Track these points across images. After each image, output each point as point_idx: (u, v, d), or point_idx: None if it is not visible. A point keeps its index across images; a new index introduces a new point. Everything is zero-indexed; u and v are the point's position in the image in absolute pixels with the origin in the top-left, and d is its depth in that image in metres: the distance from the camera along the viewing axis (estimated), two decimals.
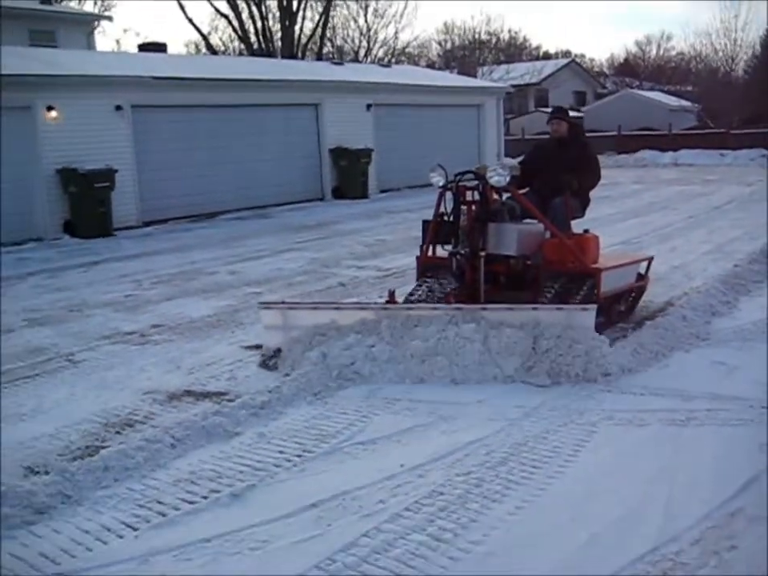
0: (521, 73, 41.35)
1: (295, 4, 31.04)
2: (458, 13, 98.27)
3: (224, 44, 36.24)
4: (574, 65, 50.49)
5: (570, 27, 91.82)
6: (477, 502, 3.58)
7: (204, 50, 38.83)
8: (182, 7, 42.94)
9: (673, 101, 38.16)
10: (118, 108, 14.93)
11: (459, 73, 37.25)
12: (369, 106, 19.55)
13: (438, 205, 6.24)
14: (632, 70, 54.94)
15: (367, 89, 19.73)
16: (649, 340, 5.87)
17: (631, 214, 14.29)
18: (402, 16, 54.21)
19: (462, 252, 5.97)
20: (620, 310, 6.77)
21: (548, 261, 6.14)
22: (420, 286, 6.36)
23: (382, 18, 40.67)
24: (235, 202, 16.82)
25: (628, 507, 3.50)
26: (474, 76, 36.56)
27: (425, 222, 6.53)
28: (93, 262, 11.19)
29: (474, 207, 6.04)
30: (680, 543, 3.17)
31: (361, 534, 3.31)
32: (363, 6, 39.92)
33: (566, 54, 62.57)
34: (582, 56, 62.02)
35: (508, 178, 6.00)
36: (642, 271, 7.16)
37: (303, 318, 5.71)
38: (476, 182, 6.07)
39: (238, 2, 31.47)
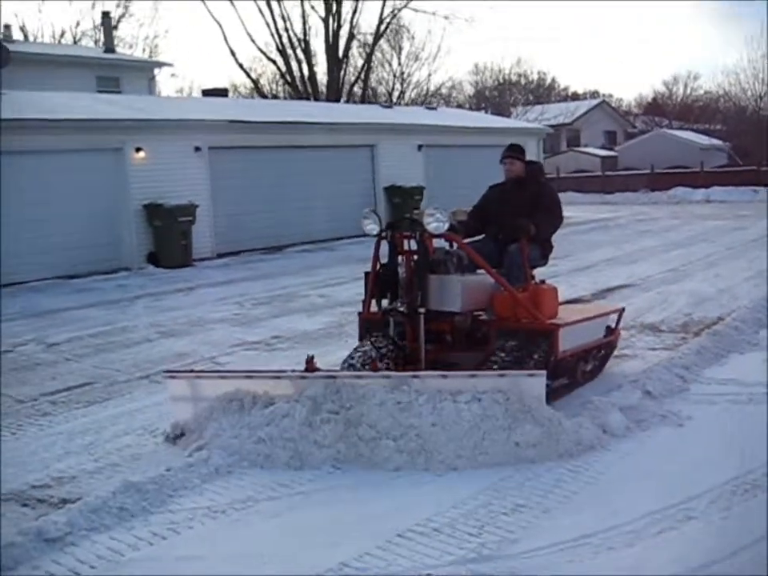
0: (554, 113, 42.74)
1: (341, 51, 32.65)
2: (488, 54, 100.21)
3: (270, 88, 37.96)
4: (604, 105, 51.85)
5: (597, 67, 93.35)
6: None
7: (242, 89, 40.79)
8: (233, 53, 44.88)
9: (704, 139, 39.19)
10: (197, 149, 16.30)
11: (493, 113, 38.67)
12: (420, 147, 20.85)
13: (376, 256, 5.64)
14: (660, 109, 56.04)
15: (418, 130, 21.07)
16: (709, 344, 6.95)
17: (673, 246, 15.35)
18: (434, 59, 55.81)
19: (400, 309, 5.34)
20: (585, 370, 6.12)
21: (500, 317, 5.59)
22: (362, 346, 5.77)
23: (416, 60, 42.32)
24: (299, 236, 18.07)
25: (714, 454, 4.58)
26: (508, 116, 37.97)
27: (366, 274, 5.83)
28: (188, 288, 12.44)
29: (413, 257, 5.51)
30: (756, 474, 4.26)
31: None
32: (397, 49, 41.63)
33: (594, 94, 63.92)
34: (610, 96, 63.28)
35: (446, 225, 5.37)
36: (613, 325, 6.57)
37: (211, 388, 5.10)
38: (413, 230, 5.47)
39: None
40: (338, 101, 31.95)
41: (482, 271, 5.72)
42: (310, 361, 4.99)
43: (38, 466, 4.91)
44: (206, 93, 23.84)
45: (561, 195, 29.28)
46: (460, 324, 5.54)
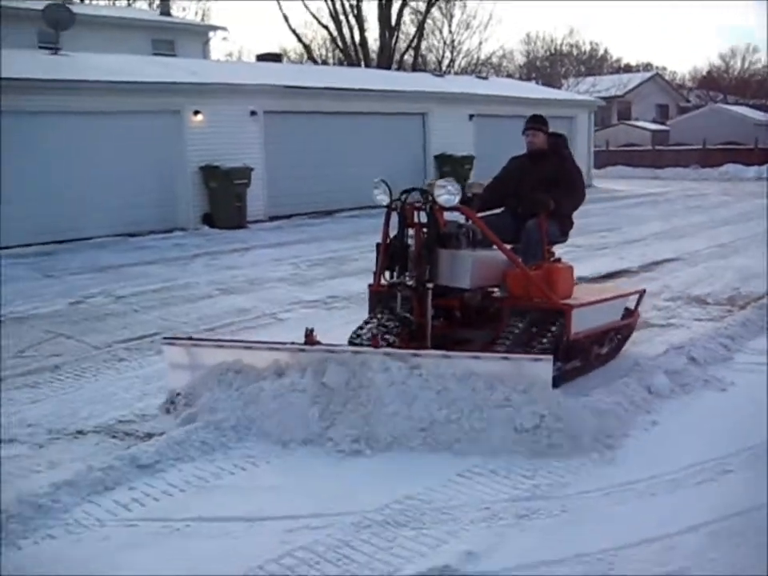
0: (606, 86, 42.30)
1: (394, 18, 32.69)
2: (540, 24, 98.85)
3: (320, 53, 38.15)
4: (657, 78, 51.06)
5: (651, 39, 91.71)
6: None
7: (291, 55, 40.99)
8: (286, 19, 45.08)
9: (759, 115, 38.50)
10: (253, 113, 16.65)
11: (543, 84, 38.43)
12: (471, 116, 20.97)
13: (386, 226, 5.47)
14: (715, 83, 55.01)
15: (469, 100, 21.18)
16: (754, 317, 7.14)
17: (722, 222, 15.36)
18: (486, 27, 55.50)
19: (407, 283, 5.19)
20: (599, 353, 5.92)
21: (513, 295, 5.44)
22: (371, 320, 5.61)
23: (467, 28, 42.13)
24: (348, 201, 18.33)
25: (754, 417, 4.84)
26: (558, 87, 37.72)
27: (378, 246, 5.65)
28: (244, 249, 12.85)
29: (423, 230, 5.31)
30: None
31: None
32: (448, 17, 41.45)
33: (647, 66, 62.89)
34: (664, 68, 62.22)
35: (458, 197, 5.17)
36: (632, 306, 6.34)
37: (209, 356, 5.02)
38: (423, 201, 5.28)
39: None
40: (389, 68, 32.04)
41: (495, 247, 5.50)
42: (309, 334, 4.87)
43: (120, 404, 5.32)
44: (260, 57, 24.11)
45: (610, 169, 29.42)
46: (469, 300, 5.39)
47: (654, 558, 3.25)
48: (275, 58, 23.54)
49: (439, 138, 20.34)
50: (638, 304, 6.41)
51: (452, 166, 19.95)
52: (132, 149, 14.90)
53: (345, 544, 3.40)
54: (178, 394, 5.04)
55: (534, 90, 26.52)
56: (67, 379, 6.01)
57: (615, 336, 6.09)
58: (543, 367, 4.45)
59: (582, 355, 5.70)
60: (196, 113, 15.78)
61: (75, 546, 3.44)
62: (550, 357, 4.55)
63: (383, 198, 5.41)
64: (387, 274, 5.49)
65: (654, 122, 44.09)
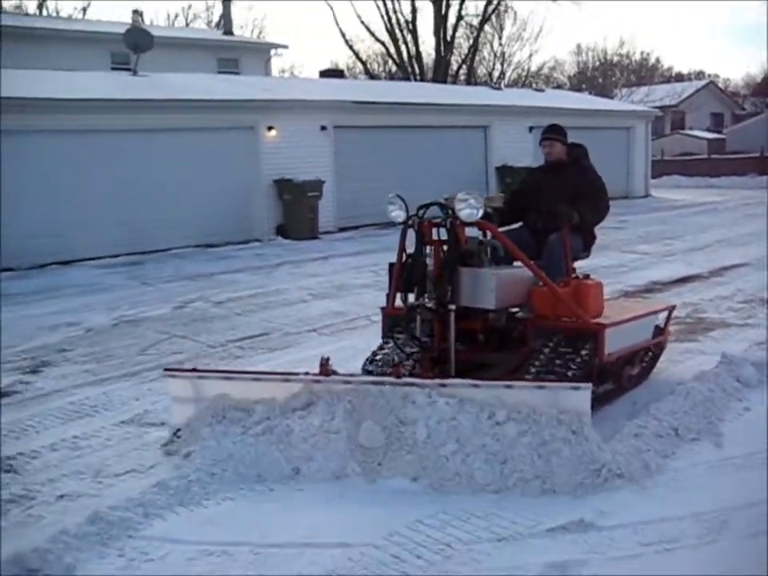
0: (660, 95, 42.36)
1: (450, 33, 33.38)
2: (590, 34, 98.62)
3: (373, 68, 38.95)
4: (711, 86, 50.88)
5: (702, 46, 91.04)
6: None
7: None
8: (343, 35, 46.06)
9: None
10: (323, 128, 17.33)
11: (595, 94, 38.67)
12: (531, 129, 21.41)
13: (402, 245, 5.12)
14: None
15: (529, 112, 21.62)
16: None
17: None
18: (536, 39, 55.84)
19: (427, 305, 4.86)
20: (631, 374, 5.64)
21: (539, 315, 5.10)
22: (386, 344, 5.44)
23: (518, 40, 42.55)
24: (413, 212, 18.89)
25: None
26: (611, 98, 37.92)
27: (391, 266, 5.38)
28: (322, 257, 13.47)
29: (442, 248, 4.97)
30: None
31: None
32: (499, 29, 41.95)
33: (699, 74, 62.58)
34: (717, 76, 61.84)
35: (481, 212, 4.88)
36: (662, 324, 6.02)
37: (215, 388, 4.72)
38: (443, 217, 4.94)
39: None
40: (444, 82, 32.65)
41: (518, 264, 5.18)
42: (324, 363, 4.55)
43: None
44: (323, 74, 24.88)
45: (665, 179, 29.48)
46: (494, 322, 5.04)
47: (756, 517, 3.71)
48: (338, 74, 24.30)
49: (500, 150, 20.83)
50: (667, 321, 6.07)
51: (513, 177, 20.37)
52: (209, 163, 15.61)
53: None
54: (178, 430, 4.81)
55: (589, 102, 26.86)
56: None
57: (645, 355, 5.82)
58: (581, 396, 4.13)
59: (614, 378, 5.41)
60: (270, 128, 16.48)
61: None
62: (589, 384, 4.20)
63: (399, 215, 5.07)
64: (403, 295, 5.13)
65: (709, 130, 43.97)
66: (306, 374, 4.65)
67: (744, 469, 4.27)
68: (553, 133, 6.01)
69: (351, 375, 4.82)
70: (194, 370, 5.07)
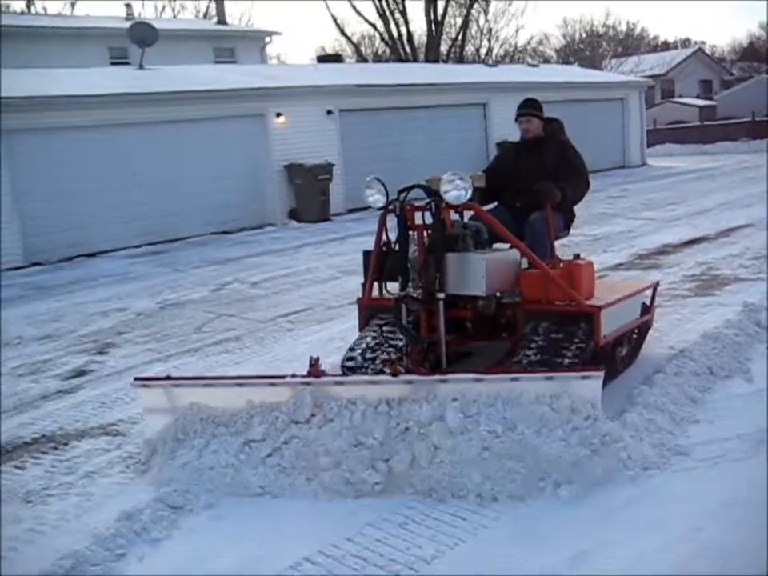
0: (649, 65, 42.83)
1: (440, 13, 33.79)
2: (576, 7, 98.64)
3: (373, 51, 39.31)
4: (699, 53, 51.36)
5: (687, 13, 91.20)
6: None
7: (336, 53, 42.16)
8: (334, 20, 46.27)
9: None
10: (329, 112, 17.79)
11: (583, 66, 39.07)
12: None
13: (380, 232, 4.98)
14: (757, 53, 54.79)
15: (526, 87, 21.99)
16: None
17: None
18: (522, 13, 56.23)
19: (414, 295, 4.58)
20: (621, 355, 5.38)
21: (529, 299, 4.84)
22: (364, 337, 5.23)
23: (503, 16, 42.86)
24: (419, 191, 19.37)
25: None
26: (600, 69, 38.35)
27: (366, 254, 5.20)
28: (339, 238, 13.97)
29: (426, 233, 4.66)
30: None
31: None
32: (484, 6, 42.28)
33: (686, 42, 63.06)
34: (703, 42, 62.40)
35: (470, 192, 4.59)
36: (648, 301, 5.77)
37: (191, 397, 4.37)
38: (427, 200, 4.68)
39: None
40: (436, 61, 33.08)
41: (502, 246, 5.00)
42: (314, 363, 4.21)
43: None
44: (321, 59, 25.26)
45: (659, 147, 30.10)
46: (484, 309, 4.76)
47: None
48: (336, 58, 24.68)
49: (500, 126, 21.25)
50: (653, 298, 5.85)
51: None
52: (222, 152, 16.08)
53: None
54: (154, 449, 4.43)
55: (583, 74, 27.33)
56: (254, 345, 7.16)
57: (632, 335, 5.56)
58: (592, 385, 3.92)
59: (607, 361, 4.99)
60: (278, 115, 16.94)
61: None
62: (601, 372, 3.98)
63: (378, 199, 4.87)
64: (388, 285, 4.90)
65: (698, 97, 44.47)
66: (294, 376, 4.30)
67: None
68: (529, 108, 5.77)
69: (343, 375, 4.69)
70: (168, 378, 4.64)
